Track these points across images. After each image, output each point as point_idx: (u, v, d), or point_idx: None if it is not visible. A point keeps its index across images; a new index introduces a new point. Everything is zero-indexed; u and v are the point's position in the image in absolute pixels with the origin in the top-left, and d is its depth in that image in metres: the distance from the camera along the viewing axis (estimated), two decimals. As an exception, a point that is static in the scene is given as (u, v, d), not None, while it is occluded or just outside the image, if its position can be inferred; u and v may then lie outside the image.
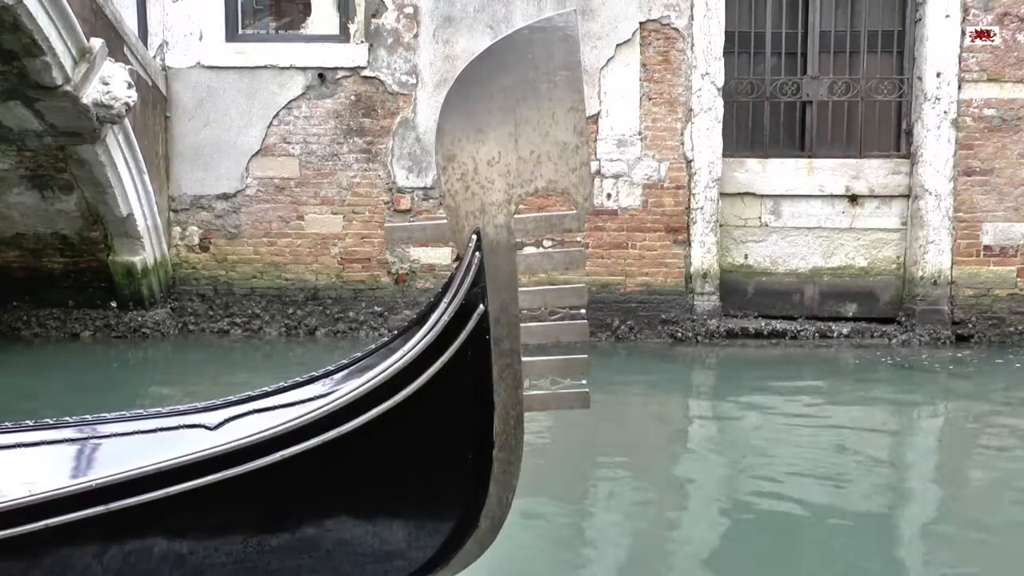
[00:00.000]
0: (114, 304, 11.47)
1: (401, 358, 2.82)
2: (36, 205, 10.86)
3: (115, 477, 2.75)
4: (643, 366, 10.69)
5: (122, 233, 11.07)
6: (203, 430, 3.07)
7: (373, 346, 3.10)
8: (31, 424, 3.28)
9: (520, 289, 2.82)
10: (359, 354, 3.12)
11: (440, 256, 11.65)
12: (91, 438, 3.19)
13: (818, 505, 6.38)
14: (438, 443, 2.96)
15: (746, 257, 11.81)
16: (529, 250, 2.88)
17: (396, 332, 3.03)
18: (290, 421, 2.83)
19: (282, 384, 3.22)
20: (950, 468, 7.64)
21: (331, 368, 3.16)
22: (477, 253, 2.79)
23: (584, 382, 2.95)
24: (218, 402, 3.23)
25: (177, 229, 11.94)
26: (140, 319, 11.43)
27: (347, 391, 2.84)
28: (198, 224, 11.91)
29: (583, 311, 2.93)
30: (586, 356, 2.94)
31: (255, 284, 11.93)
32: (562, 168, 2.77)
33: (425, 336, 2.82)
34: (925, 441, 8.60)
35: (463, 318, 2.82)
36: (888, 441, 8.33)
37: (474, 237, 2.79)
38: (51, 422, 3.28)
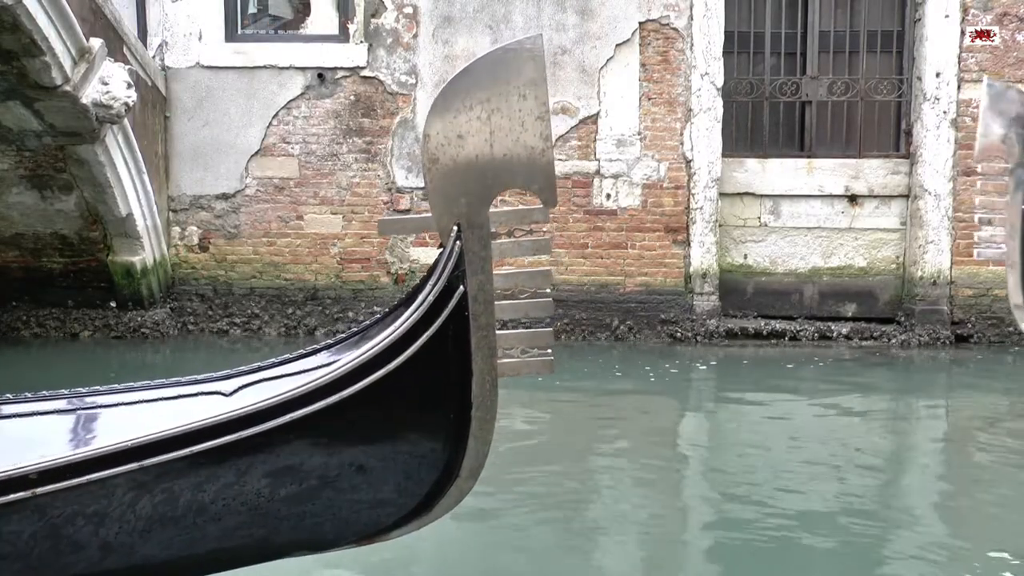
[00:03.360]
0: (113, 304, 11.87)
1: (393, 332, 3.43)
2: (35, 205, 11.22)
3: (146, 437, 3.31)
4: (642, 366, 10.96)
5: (121, 233, 11.44)
6: (220, 396, 3.66)
7: (368, 322, 3.72)
8: (67, 393, 3.90)
9: (495, 272, 3.45)
10: (356, 328, 3.74)
11: (439, 256, 12.10)
12: (120, 404, 3.80)
13: (815, 505, 6.61)
14: (425, 405, 3.57)
15: (745, 257, 12.27)
16: (503, 239, 3.50)
17: (387, 310, 3.65)
18: (297, 387, 3.42)
19: (288, 356, 3.83)
20: (950, 469, 7.90)
21: (331, 341, 3.77)
22: (458, 242, 3.38)
23: (549, 351, 3.55)
24: (232, 372, 3.85)
25: (176, 229, 12.39)
26: (139, 319, 11.83)
27: (346, 361, 3.44)
28: (197, 224, 12.37)
29: (548, 291, 3.54)
30: (551, 329, 3.56)
31: (254, 284, 12.37)
32: (530, 168, 3.39)
33: (413, 313, 3.43)
34: (924, 441, 8.81)
35: (446, 297, 3.41)
36: (887, 441, 8.59)
37: (456, 228, 3.37)
38: (84, 391, 3.90)
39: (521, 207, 3.56)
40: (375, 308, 12.00)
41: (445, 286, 3.42)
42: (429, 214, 3.41)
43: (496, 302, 3.45)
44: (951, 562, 5.78)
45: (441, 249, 3.43)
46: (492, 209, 3.40)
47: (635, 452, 8.03)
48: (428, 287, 3.43)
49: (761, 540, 6.10)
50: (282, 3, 12.93)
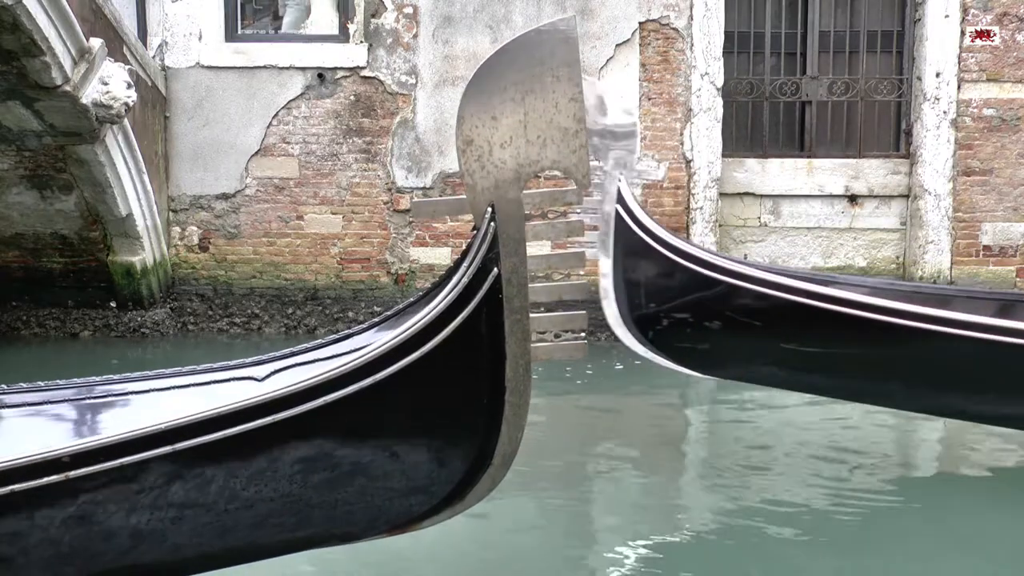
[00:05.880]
0: (113, 304, 11.87)
1: (426, 315, 3.44)
2: (35, 205, 11.20)
3: (179, 421, 3.32)
4: (642, 365, 10.92)
5: (121, 233, 11.42)
6: (252, 381, 3.66)
7: (401, 305, 3.71)
8: (97, 380, 3.90)
9: (528, 254, 3.45)
10: (389, 312, 3.74)
11: (439, 256, 12.13)
12: (153, 390, 3.80)
13: (814, 501, 6.66)
14: (457, 389, 3.57)
15: (745, 257, 12.11)
16: (536, 221, 3.50)
17: (421, 293, 3.65)
18: (330, 371, 3.43)
19: (322, 340, 3.84)
20: (948, 465, 7.93)
21: (364, 326, 3.77)
22: (492, 223, 3.38)
23: (583, 335, 3.55)
24: (264, 357, 3.85)
25: (176, 229, 12.36)
26: (139, 319, 11.85)
27: (379, 344, 3.45)
28: (197, 224, 12.35)
29: (582, 273, 3.53)
30: (584, 312, 3.55)
31: (254, 284, 12.36)
32: (564, 150, 3.39)
33: (447, 296, 3.44)
34: (922, 438, 8.71)
35: (480, 280, 3.42)
36: (884, 436, 8.52)
37: (489, 210, 3.38)
38: (116, 378, 3.90)
39: (555, 188, 3.54)
40: (375, 308, 12.03)
41: (479, 268, 3.42)
42: (463, 196, 3.41)
43: (530, 284, 3.45)
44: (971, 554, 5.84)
45: (475, 231, 3.43)
46: (525, 191, 3.40)
47: (635, 449, 8.10)
48: (462, 269, 3.44)
49: (755, 533, 6.16)
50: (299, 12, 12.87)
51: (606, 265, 6.75)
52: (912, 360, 6.53)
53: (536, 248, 3.46)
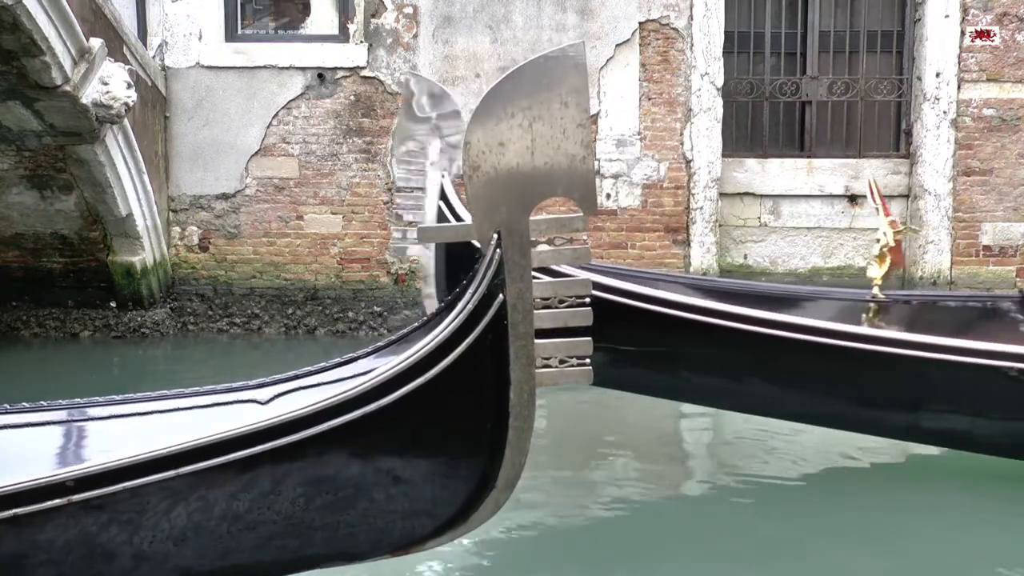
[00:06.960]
0: (113, 304, 11.86)
1: (431, 340, 3.42)
2: (35, 205, 11.20)
3: (183, 446, 3.31)
4: None
5: (121, 233, 11.42)
6: (256, 404, 3.66)
7: (406, 330, 3.70)
8: (100, 400, 3.89)
9: (534, 281, 3.43)
10: (394, 337, 3.74)
11: (438, 257, 12.17)
12: (156, 412, 3.79)
13: (814, 496, 6.73)
14: (462, 414, 3.56)
15: (745, 257, 12.27)
16: (542, 247, 3.47)
17: (426, 318, 3.63)
18: (334, 396, 3.41)
19: (325, 364, 3.83)
20: (942, 459, 7.75)
21: (369, 350, 3.77)
22: (498, 250, 3.37)
23: (588, 361, 3.53)
24: (268, 380, 3.84)
25: (176, 229, 12.36)
26: (139, 319, 11.84)
27: (384, 369, 3.43)
28: (197, 224, 12.35)
29: (587, 299, 3.51)
30: (590, 339, 3.53)
31: (254, 284, 12.36)
32: (571, 177, 3.38)
33: (452, 321, 3.42)
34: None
35: (485, 306, 3.39)
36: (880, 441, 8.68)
37: (495, 236, 3.35)
38: (118, 398, 3.89)
39: (561, 215, 3.51)
40: (375, 308, 12.08)
41: (484, 294, 3.40)
42: (469, 222, 3.39)
43: (535, 311, 3.42)
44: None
45: (480, 257, 3.41)
46: (532, 217, 3.37)
47: (634, 448, 8.10)
48: (468, 295, 3.42)
49: (755, 528, 6.20)
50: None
51: (428, 262, 6.65)
52: (713, 358, 6.63)
53: (541, 275, 3.44)
